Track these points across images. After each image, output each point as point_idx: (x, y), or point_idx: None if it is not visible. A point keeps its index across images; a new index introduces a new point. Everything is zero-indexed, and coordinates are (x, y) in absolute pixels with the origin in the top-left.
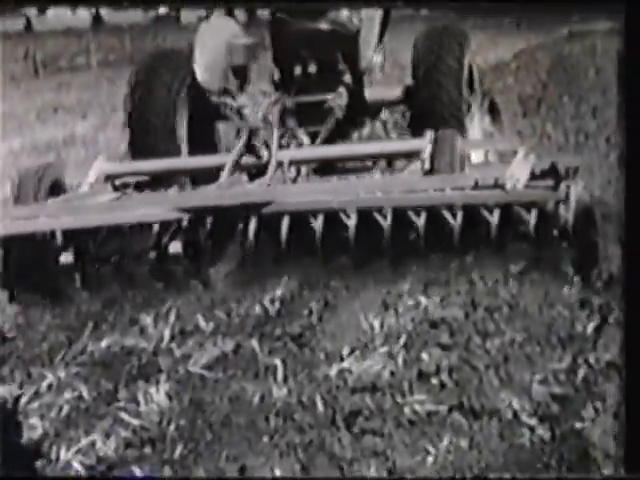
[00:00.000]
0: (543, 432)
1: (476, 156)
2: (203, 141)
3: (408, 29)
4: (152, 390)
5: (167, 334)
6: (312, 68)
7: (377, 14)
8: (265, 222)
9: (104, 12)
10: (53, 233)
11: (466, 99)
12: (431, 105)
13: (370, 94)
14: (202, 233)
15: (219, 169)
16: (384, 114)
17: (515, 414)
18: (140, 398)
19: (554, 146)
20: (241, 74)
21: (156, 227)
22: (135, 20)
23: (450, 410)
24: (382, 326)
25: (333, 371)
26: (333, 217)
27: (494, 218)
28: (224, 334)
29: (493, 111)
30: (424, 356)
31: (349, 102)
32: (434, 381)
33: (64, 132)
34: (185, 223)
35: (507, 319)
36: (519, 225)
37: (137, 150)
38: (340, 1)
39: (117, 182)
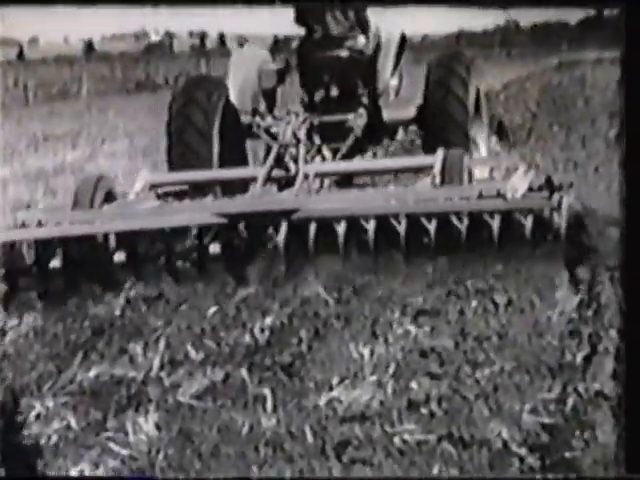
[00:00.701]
0: (533, 462)
1: (480, 173)
2: (234, 156)
3: (421, 55)
4: (141, 420)
5: (156, 363)
6: (334, 91)
7: (393, 42)
8: (294, 227)
9: (96, 40)
10: (107, 235)
11: (472, 118)
12: (441, 123)
13: (387, 114)
14: (238, 236)
15: (250, 181)
16: (401, 134)
17: (505, 444)
18: (129, 428)
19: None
20: (270, 97)
21: (196, 230)
22: (126, 49)
23: (440, 440)
24: (372, 355)
25: (322, 401)
26: (354, 223)
27: (495, 223)
28: (214, 363)
29: (500, 132)
30: (413, 385)
31: (368, 121)
32: (424, 410)
33: (54, 161)
34: (223, 227)
35: (497, 348)
36: (518, 229)
37: (176, 162)
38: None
39: (160, 191)
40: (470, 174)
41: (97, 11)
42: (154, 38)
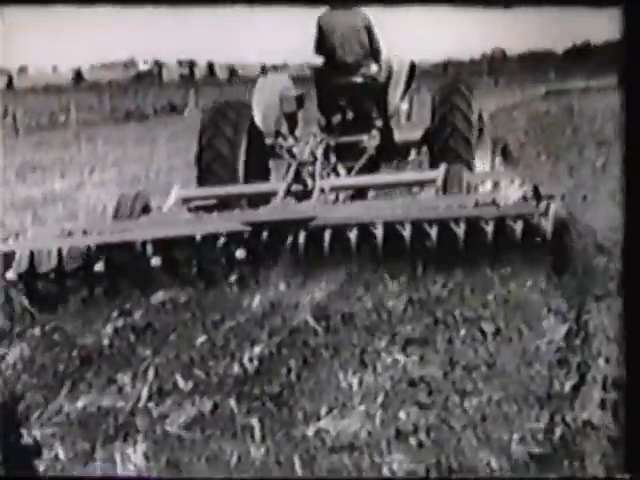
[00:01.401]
0: None
1: (483, 187)
2: (258, 173)
3: (429, 82)
4: (129, 450)
5: (145, 393)
6: (350, 115)
7: (403, 69)
8: (311, 234)
9: (85, 69)
10: (145, 243)
11: (475, 139)
12: (446, 144)
13: (398, 135)
14: (261, 243)
15: (271, 195)
16: (413, 154)
17: (493, 473)
18: (117, 458)
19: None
20: (291, 119)
21: (224, 238)
22: (115, 77)
23: (428, 469)
24: (360, 385)
25: (311, 430)
26: (365, 229)
27: (490, 228)
28: (202, 393)
29: (505, 153)
30: (402, 415)
31: (380, 142)
32: (412, 440)
33: (43, 190)
34: (248, 235)
35: (485, 378)
36: (509, 234)
37: (205, 178)
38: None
39: (191, 205)
40: (469, 186)
41: (86, 39)
42: (143, 67)
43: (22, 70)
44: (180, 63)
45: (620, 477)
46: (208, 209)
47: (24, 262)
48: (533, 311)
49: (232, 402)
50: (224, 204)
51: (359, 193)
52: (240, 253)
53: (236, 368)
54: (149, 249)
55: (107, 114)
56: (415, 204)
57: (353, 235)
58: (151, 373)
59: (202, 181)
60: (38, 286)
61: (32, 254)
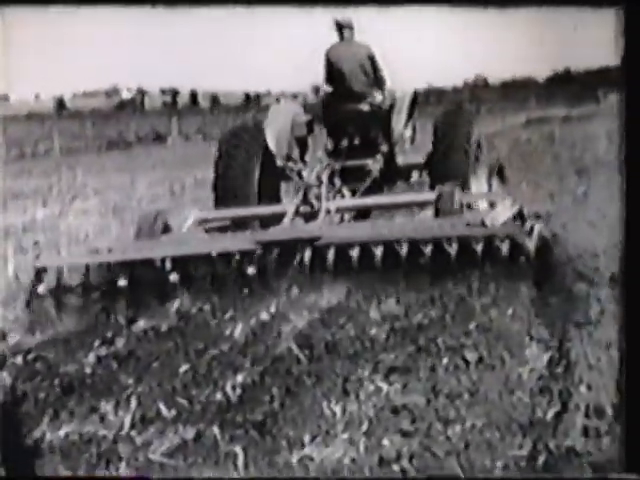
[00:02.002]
0: None
1: (482, 205)
2: (271, 195)
3: (430, 110)
4: None
5: (127, 421)
6: (357, 140)
7: (406, 98)
8: (317, 251)
9: (67, 97)
10: (164, 260)
11: (473, 163)
12: (445, 167)
13: (401, 160)
14: (271, 260)
15: (282, 215)
16: (415, 177)
17: None
18: None
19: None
20: (302, 144)
21: (237, 256)
22: (98, 105)
23: None
24: (343, 412)
25: (294, 458)
26: (365, 248)
27: (479, 247)
28: (185, 421)
29: (502, 176)
30: (385, 443)
31: (384, 166)
32: (395, 468)
33: (24, 218)
34: (259, 253)
35: (468, 405)
36: (497, 251)
37: (221, 199)
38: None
39: (207, 225)
40: (462, 206)
41: (68, 68)
42: (125, 95)
43: (3, 98)
44: (163, 91)
45: (620, 477)
46: (223, 229)
47: (54, 277)
48: (515, 339)
49: (215, 430)
50: (238, 224)
51: (363, 213)
52: (251, 270)
53: (219, 396)
54: (168, 266)
55: (89, 142)
56: (411, 224)
57: (355, 253)
58: (134, 401)
59: (218, 203)
60: (66, 299)
61: (61, 270)
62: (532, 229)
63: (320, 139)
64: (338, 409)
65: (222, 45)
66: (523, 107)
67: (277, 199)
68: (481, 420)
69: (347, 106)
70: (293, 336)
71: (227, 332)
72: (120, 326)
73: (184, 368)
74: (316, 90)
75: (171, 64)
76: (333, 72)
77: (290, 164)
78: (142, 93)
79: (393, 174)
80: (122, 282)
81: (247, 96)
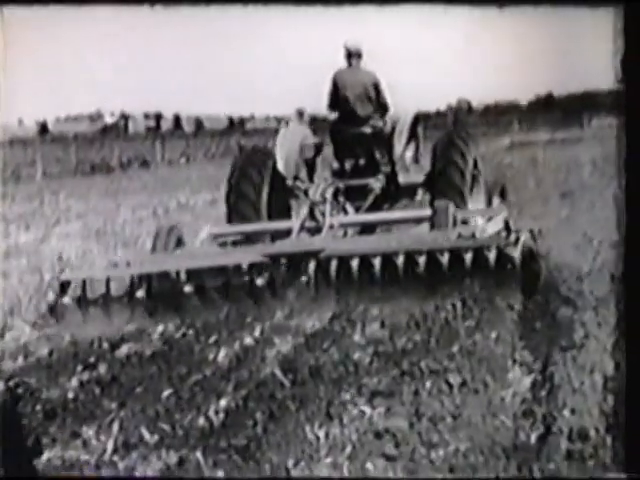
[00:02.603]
0: None
1: (481, 220)
2: (280, 211)
3: (430, 133)
4: None
5: (110, 446)
6: (360, 161)
7: (406, 121)
8: (320, 263)
9: (51, 122)
10: (178, 272)
11: (470, 181)
12: (443, 186)
13: (402, 179)
14: (278, 271)
15: (289, 230)
16: (420, 195)
17: None
18: None
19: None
20: (310, 165)
21: (247, 267)
22: (81, 130)
23: None
24: (327, 437)
25: None
26: (365, 259)
27: (468, 256)
28: (168, 446)
29: (503, 193)
30: (369, 466)
31: (386, 184)
32: None
33: (7, 243)
34: (267, 264)
35: (451, 429)
36: (485, 261)
37: (233, 216)
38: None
39: (220, 240)
40: (456, 220)
41: (51, 92)
42: (109, 120)
43: None
44: (146, 116)
45: (620, 477)
46: (235, 243)
47: (78, 289)
48: (499, 363)
49: (198, 455)
50: (249, 238)
51: (369, 228)
52: (260, 280)
53: (202, 421)
54: (183, 278)
55: (72, 167)
56: (408, 237)
57: (355, 264)
58: (116, 426)
59: (231, 218)
60: (89, 310)
61: (84, 282)
62: (517, 239)
63: (326, 161)
64: (321, 433)
65: (206, 69)
66: (506, 131)
67: (287, 215)
68: (464, 444)
69: (352, 129)
70: (277, 360)
71: (211, 357)
72: (103, 351)
73: (167, 393)
74: (300, 114)
75: (155, 88)
76: (339, 97)
77: (298, 183)
78: (125, 117)
79: (395, 192)
80: (140, 293)
81: (231, 120)
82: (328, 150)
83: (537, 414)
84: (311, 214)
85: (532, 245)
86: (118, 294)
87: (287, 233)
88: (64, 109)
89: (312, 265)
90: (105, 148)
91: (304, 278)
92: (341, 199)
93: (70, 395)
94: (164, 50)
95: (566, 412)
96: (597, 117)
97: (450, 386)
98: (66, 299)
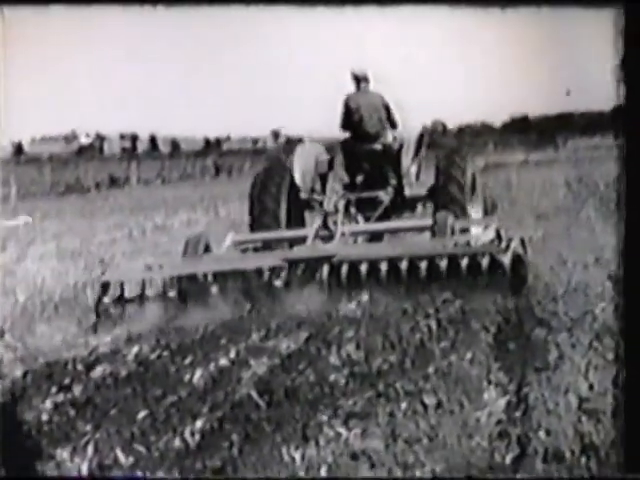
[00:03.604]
0: None
1: (476, 230)
2: (296, 222)
3: (433, 151)
4: None
5: (85, 469)
6: (370, 175)
7: (412, 139)
8: (333, 267)
9: (26, 142)
10: (206, 275)
11: (469, 194)
12: (446, 198)
13: (407, 191)
14: (295, 273)
15: (304, 238)
16: (420, 209)
17: None
18: None
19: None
20: (323, 179)
21: (267, 270)
22: (56, 151)
23: None
24: (303, 458)
25: None
26: (373, 264)
27: (464, 262)
28: (144, 468)
29: (493, 208)
30: None
31: (393, 197)
32: None
33: None
34: (285, 268)
35: (427, 450)
36: (478, 266)
37: (255, 225)
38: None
39: (242, 246)
40: (454, 229)
41: (27, 113)
42: (84, 140)
43: None
44: (122, 136)
45: (620, 477)
46: (255, 249)
47: (116, 290)
48: (474, 384)
49: (174, 477)
50: (268, 245)
51: (375, 236)
52: (279, 282)
53: (178, 442)
54: (210, 279)
55: (47, 188)
56: (410, 245)
57: (364, 268)
58: (91, 448)
59: (253, 227)
60: (126, 308)
61: (122, 283)
62: (508, 247)
63: (338, 174)
64: (297, 455)
65: (182, 90)
66: (480, 152)
67: (302, 224)
68: (440, 465)
69: (363, 146)
70: (253, 382)
71: (186, 378)
72: (78, 372)
73: (142, 414)
74: (275, 135)
75: (131, 109)
76: (352, 117)
77: (314, 195)
78: (101, 138)
79: (401, 204)
80: (172, 293)
81: (207, 141)
82: (339, 165)
83: (512, 435)
84: (324, 223)
85: (520, 252)
86: (152, 294)
87: (302, 240)
88: (39, 130)
89: (325, 269)
90: (80, 169)
91: (318, 280)
92: (352, 210)
93: (44, 417)
94: (141, 71)
95: (541, 433)
96: (572, 139)
97: (425, 407)
98: (106, 299)
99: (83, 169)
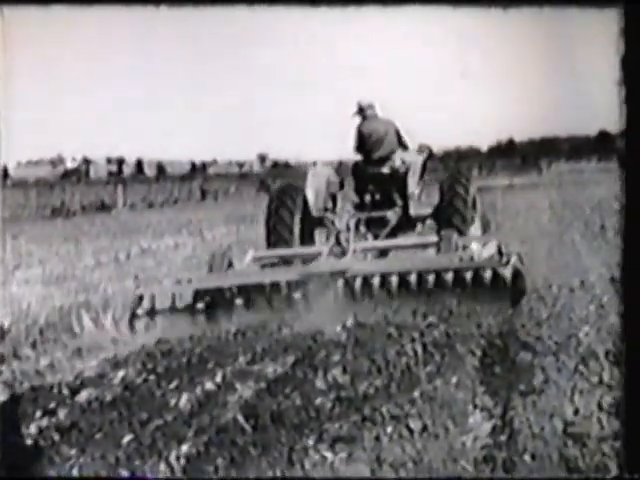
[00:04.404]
0: None
1: (477, 245)
2: (307, 239)
3: (437, 173)
4: None
5: None
6: (378, 196)
7: (418, 164)
8: (347, 281)
9: (11, 166)
10: (231, 288)
11: (471, 212)
12: (450, 216)
13: (413, 211)
14: (311, 287)
15: (319, 254)
16: (419, 228)
17: None
18: None
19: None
20: (334, 199)
21: (286, 284)
22: (42, 175)
23: None
24: None
25: None
26: (384, 277)
27: (468, 275)
28: None
29: (489, 226)
30: None
31: (400, 216)
32: None
33: None
34: (302, 282)
35: (412, 474)
36: (481, 279)
37: (272, 242)
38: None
39: (261, 262)
40: (457, 246)
41: (13, 137)
42: (70, 164)
43: None
44: (108, 160)
45: (620, 477)
46: (272, 265)
47: (149, 302)
48: (459, 408)
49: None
50: (284, 260)
51: (383, 252)
52: (297, 295)
53: (163, 467)
54: (234, 292)
55: (33, 212)
56: (419, 260)
57: (376, 281)
58: (76, 472)
59: (270, 244)
60: (157, 319)
61: (154, 296)
62: (508, 262)
63: (348, 195)
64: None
65: (168, 113)
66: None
67: (311, 241)
68: None
69: (372, 169)
70: (239, 406)
71: (172, 402)
72: (63, 397)
73: (128, 439)
74: (262, 159)
75: (117, 133)
76: (365, 143)
77: (326, 214)
78: (87, 162)
79: (406, 222)
80: (200, 305)
81: (193, 165)
82: (349, 186)
83: (498, 459)
84: (337, 241)
85: (519, 266)
86: (182, 306)
87: (316, 256)
88: (25, 154)
89: (340, 282)
90: (66, 193)
91: (333, 292)
92: (362, 228)
93: (29, 442)
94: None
95: (526, 457)
96: (556, 163)
97: (411, 431)
98: (140, 310)
99: (69, 193)
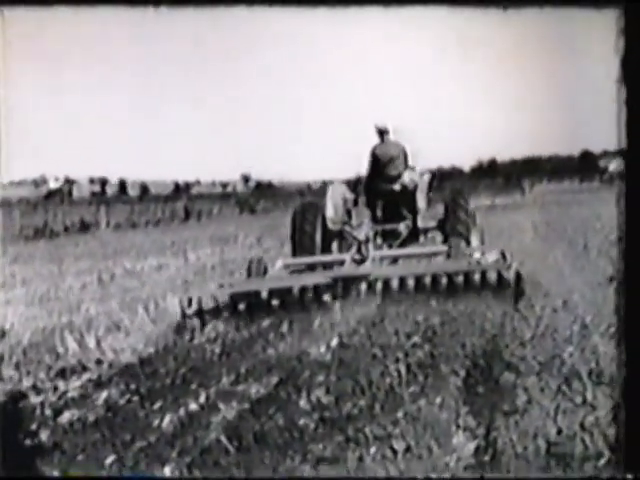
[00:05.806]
0: None
1: (478, 253)
2: (325, 249)
3: (440, 195)
4: None
5: None
6: (390, 211)
7: (425, 181)
8: (369, 283)
9: None
10: (269, 291)
11: (471, 226)
12: (453, 228)
13: (421, 224)
14: (337, 290)
15: (342, 262)
16: (422, 239)
17: None
18: None
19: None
20: (350, 214)
21: (313, 287)
22: (25, 195)
23: None
24: None
25: None
26: (402, 280)
27: (476, 277)
28: None
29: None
30: None
31: (409, 228)
32: None
33: None
34: (329, 285)
35: None
36: (488, 280)
37: (297, 250)
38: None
39: (290, 268)
40: (463, 252)
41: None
42: (53, 185)
43: None
44: (92, 180)
45: (620, 477)
46: (299, 271)
47: (196, 303)
48: (442, 428)
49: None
50: (310, 267)
51: (396, 260)
52: (326, 296)
53: None
54: (269, 295)
55: (16, 232)
56: (433, 264)
57: (395, 283)
58: None
59: (295, 252)
60: (204, 318)
61: (200, 299)
62: (510, 265)
63: (363, 211)
64: None
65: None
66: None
67: (329, 251)
68: None
69: (384, 186)
70: (222, 427)
71: (155, 423)
72: (45, 418)
73: (110, 460)
74: (245, 179)
75: (100, 153)
76: (378, 164)
77: (347, 228)
78: (70, 182)
79: (415, 234)
80: (241, 306)
81: (177, 185)
82: (362, 202)
83: None
84: (358, 250)
85: (520, 270)
86: (224, 307)
87: (339, 264)
88: (7, 174)
89: (364, 285)
90: (49, 213)
91: (357, 294)
92: (378, 239)
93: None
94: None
95: (510, 477)
96: (539, 183)
97: (395, 452)
98: (189, 311)
99: (52, 213)
